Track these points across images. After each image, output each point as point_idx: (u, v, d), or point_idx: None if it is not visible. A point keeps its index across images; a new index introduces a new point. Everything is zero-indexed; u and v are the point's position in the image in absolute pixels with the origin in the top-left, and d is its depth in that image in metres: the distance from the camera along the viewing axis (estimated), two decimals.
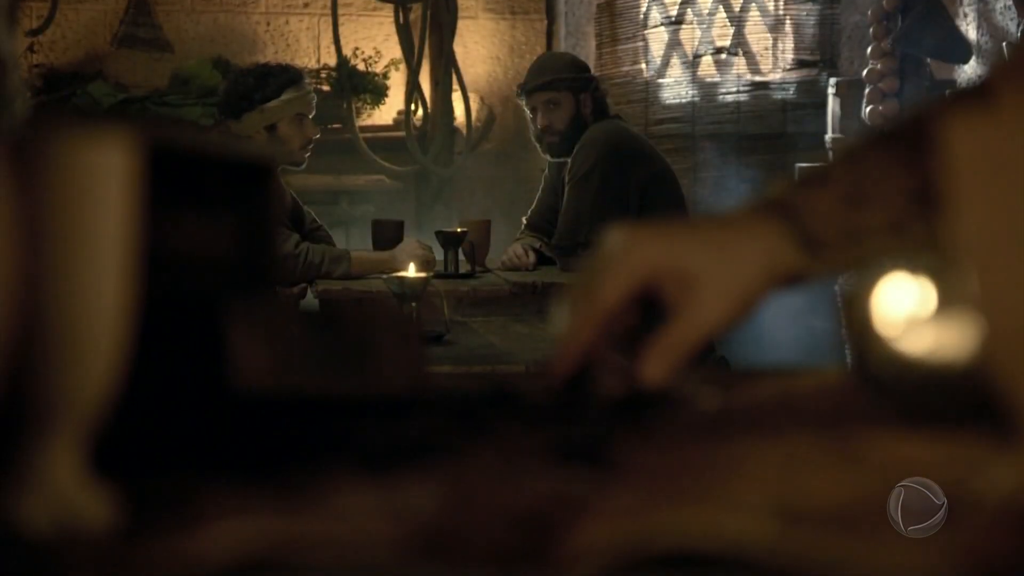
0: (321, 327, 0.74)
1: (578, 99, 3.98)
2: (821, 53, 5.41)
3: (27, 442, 0.52)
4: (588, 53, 5.62)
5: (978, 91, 0.94)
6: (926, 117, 0.92)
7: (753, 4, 5.45)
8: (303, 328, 0.73)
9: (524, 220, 4.30)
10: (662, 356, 0.79)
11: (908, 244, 0.88)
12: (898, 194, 0.87)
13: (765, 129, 5.41)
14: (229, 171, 0.77)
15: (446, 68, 5.64)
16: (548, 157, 4.09)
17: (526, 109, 4.07)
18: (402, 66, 5.71)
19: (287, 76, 3.92)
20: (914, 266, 0.77)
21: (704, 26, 5.46)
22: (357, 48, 5.86)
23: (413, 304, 2.98)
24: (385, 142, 5.66)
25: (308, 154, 3.91)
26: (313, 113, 3.94)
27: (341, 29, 5.60)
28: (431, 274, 3.41)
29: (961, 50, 4.26)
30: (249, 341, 0.70)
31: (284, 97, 3.85)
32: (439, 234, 3.92)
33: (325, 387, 0.72)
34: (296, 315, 0.74)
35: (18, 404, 0.51)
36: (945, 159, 0.57)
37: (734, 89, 5.44)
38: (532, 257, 4.07)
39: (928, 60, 4.53)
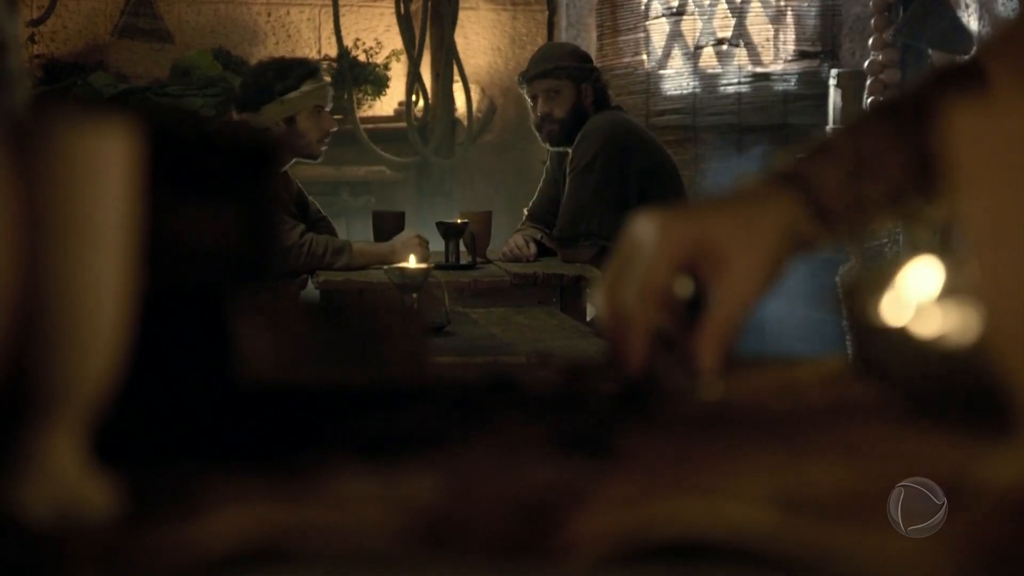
0: (324, 318, 0.74)
1: (579, 88, 3.98)
2: (822, 44, 5.40)
3: (28, 430, 0.52)
4: (589, 44, 5.62)
5: (970, 68, 0.97)
6: (923, 92, 0.96)
7: None
8: (306, 319, 0.73)
9: (525, 211, 4.30)
10: (714, 338, 0.82)
11: (906, 214, 0.93)
12: (897, 166, 0.91)
13: (766, 120, 5.40)
14: (231, 159, 0.77)
15: (447, 59, 5.63)
16: (548, 146, 4.09)
17: (527, 97, 4.07)
18: (403, 57, 5.70)
19: (306, 68, 3.93)
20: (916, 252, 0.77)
21: (705, 17, 5.46)
22: (358, 39, 5.85)
23: (414, 295, 2.98)
24: (386, 133, 5.65)
25: (325, 147, 3.92)
26: (331, 106, 3.95)
27: (342, 20, 5.60)
28: (432, 265, 3.42)
29: (963, 41, 4.26)
30: (252, 331, 0.70)
31: (303, 89, 3.86)
32: (440, 225, 3.92)
33: (328, 377, 0.71)
34: (299, 305, 0.74)
35: (19, 391, 0.51)
36: (946, 144, 0.57)
37: (735, 80, 5.43)
38: (533, 248, 4.07)
39: (930, 51, 4.52)
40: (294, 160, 3.91)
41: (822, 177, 0.90)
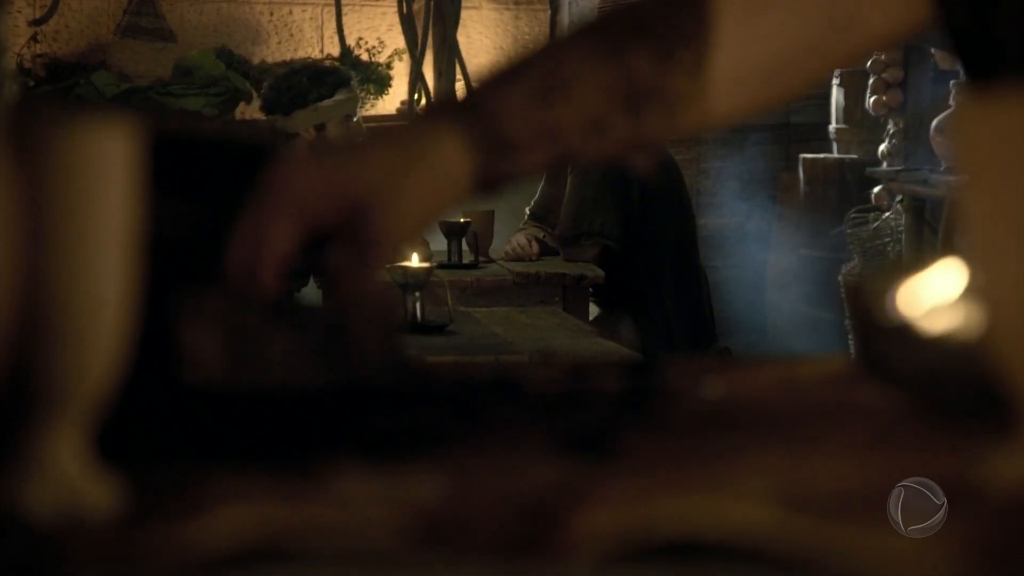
0: (286, 318, 0.73)
1: None
2: None
3: (30, 428, 0.52)
4: None
5: None
6: (641, 13, 0.87)
7: None
8: (265, 320, 0.72)
9: (527, 210, 4.30)
10: (352, 288, 0.75)
11: (611, 144, 0.83)
12: (598, 90, 0.82)
13: (768, 119, 5.40)
14: (231, 158, 0.77)
15: (449, 58, 5.63)
16: None
17: None
18: (405, 56, 5.70)
19: (339, 77, 3.96)
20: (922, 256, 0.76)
21: None
22: (360, 38, 5.85)
23: (416, 294, 2.98)
24: None
25: None
26: (359, 115, 3.98)
27: (344, 19, 5.59)
28: (434, 264, 3.42)
29: None
30: (201, 335, 0.68)
31: (337, 98, 3.89)
32: (442, 224, 3.92)
33: (290, 380, 0.70)
34: (256, 306, 0.73)
35: (21, 390, 0.51)
36: (955, 147, 0.57)
37: None
38: (536, 247, 4.08)
39: (932, 50, 4.52)
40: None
41: (504, 103, 0.80)
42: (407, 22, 5.55)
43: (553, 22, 6.11)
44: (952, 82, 4.59)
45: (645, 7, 0.88)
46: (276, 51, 5.75)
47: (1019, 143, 0.54)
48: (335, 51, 5.71)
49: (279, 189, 0.75)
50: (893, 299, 0.76)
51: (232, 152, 0.78)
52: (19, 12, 5.58)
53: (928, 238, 4.53)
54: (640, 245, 4.07)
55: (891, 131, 5.15)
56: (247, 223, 0.74)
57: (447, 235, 3.91)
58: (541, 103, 0.81)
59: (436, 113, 0.82)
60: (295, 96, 3.88)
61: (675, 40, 0.85)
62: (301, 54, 5.66)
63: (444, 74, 5.72)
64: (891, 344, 0.77)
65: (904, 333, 0.75)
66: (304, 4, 5.92)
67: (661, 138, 0.87)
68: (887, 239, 4.68)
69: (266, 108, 3.99)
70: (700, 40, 0.86)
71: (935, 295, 0.75)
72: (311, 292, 3.66)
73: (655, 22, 0.86)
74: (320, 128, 3.89)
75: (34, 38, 5.54)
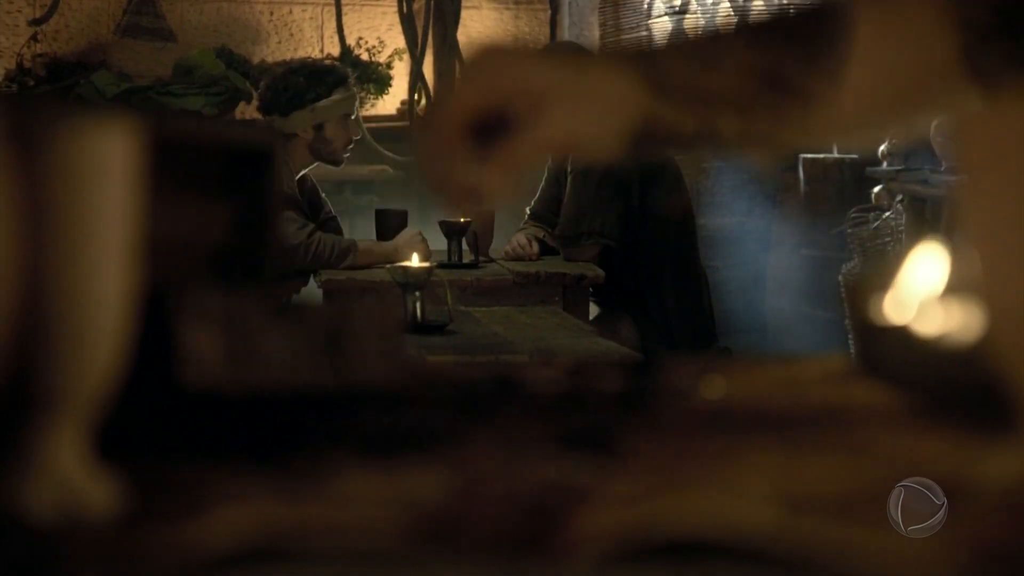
0: (287, 319, 0.73)
1: None
2: None
3: (30, 428, 0.52)
4: (592, 43, 5.62)
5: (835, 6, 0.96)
6: (790, 18, 0.95)
7: None
8: (266, 320, 0.72)
9: (527, 210, 4.30)
10: (503, 166, 0.82)
11: (750, 127, 0.90)
12: (747, 71, 0.90)
13: None
14: (228, 158, 0.77)
15: (449, 58, 5.63)
16: None
17: None
18: (406, 56, 5.71)
19: (336, 76, 3.96)
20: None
21: (708, 15, 5.45)
22: (360, 38, 5.85)
23: (416, 293, 2.98)
24: (389, 132, 5.66)
25: (348, 154, 3.96)
26: (356, 114, 3.98)
27: (344, 19, 5.60)
28: (434, 264, 3.42)
29: None
30: (202, 334, 0.68)
31: (334, 97, 3.89)
32: (443, 224, 3.92)
33: (290, 381, 0.70)
34: (258, 306, 0.73)
35: (21, 390, 0.51)
36: (955, 147, 0.57)
37: None
38: (536, 247, 4.08)
39: None
40: (315, 163, 3.93)
41: (669, 59, 0.90)
42: (407, 22, 5.56)
43: (553, 22, 6.11)
44: None
45: (795, 16, 0.96)
46: (276, 51, 5.75)
47: (1019, 143, 0.54)
48: (335, 51, 5.71)
49: (478, 66, 0.85)
50: (888, 301, 0.76)
51: (232, 152, 0.78)
52: (19, 12, 5.58)
53: (928, 238, 4.52)
54: (640, 245, 4.07)
55: None
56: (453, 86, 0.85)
57: (447, 235, 3.91)
58: (700, 67, 0.89)
59: (620, 53, 0.93)
60: (292, 96, 3.88)
61: (821, 48, 0.92)
62: (301, 54, 5.67)
63: (444, 74, 5.73)
64: (891, 344, 0.77)
65: (904, 333, 0.75)
66: (304, 4, 5.92)
67: (789, 135, 0.93)
68: (887, 239, 4.68)
69: (263, 108, 4.00)
70: (842, 51, 0.92)
71: (920, 290, 0.75)
72: (311, 292, 3.66)
73: (804, 29, 0.94)
74: (317, 128, 3.89)
75: (34, 38, 5.54)
